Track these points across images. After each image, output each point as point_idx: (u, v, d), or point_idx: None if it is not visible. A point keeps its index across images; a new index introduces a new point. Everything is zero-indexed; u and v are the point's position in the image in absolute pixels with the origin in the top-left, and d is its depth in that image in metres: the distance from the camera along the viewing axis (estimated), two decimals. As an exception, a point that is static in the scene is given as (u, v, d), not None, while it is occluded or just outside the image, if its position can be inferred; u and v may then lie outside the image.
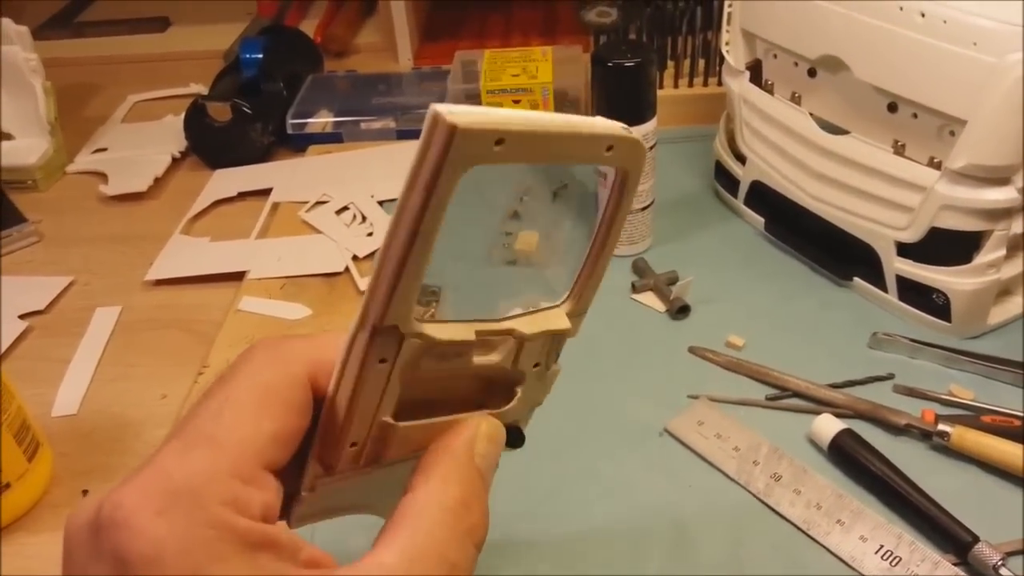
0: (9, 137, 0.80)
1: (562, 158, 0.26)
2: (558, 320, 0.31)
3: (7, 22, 0.78)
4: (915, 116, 0.51)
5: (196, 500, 0.22)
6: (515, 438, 0.32)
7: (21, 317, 0.63)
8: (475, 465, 0.28)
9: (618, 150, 0.27)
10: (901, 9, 0.48)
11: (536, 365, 0.31)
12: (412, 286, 0.25)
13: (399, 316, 0.25)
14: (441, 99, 0.80)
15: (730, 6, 0.61)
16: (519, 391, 0.32)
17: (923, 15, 0.47)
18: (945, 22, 0.46)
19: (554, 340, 0.32)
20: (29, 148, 0.79)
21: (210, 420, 0.25)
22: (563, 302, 0.31)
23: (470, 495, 0.27)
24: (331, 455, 0.28)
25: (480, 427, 0.29)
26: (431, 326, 0.27)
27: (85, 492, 0.51)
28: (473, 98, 0.78)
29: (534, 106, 0.78)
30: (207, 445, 0.24)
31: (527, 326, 0.30)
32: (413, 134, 0.79)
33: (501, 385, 0.31)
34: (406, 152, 0.76)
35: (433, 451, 0.28)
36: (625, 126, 0.27)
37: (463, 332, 0.28)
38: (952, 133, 0.49)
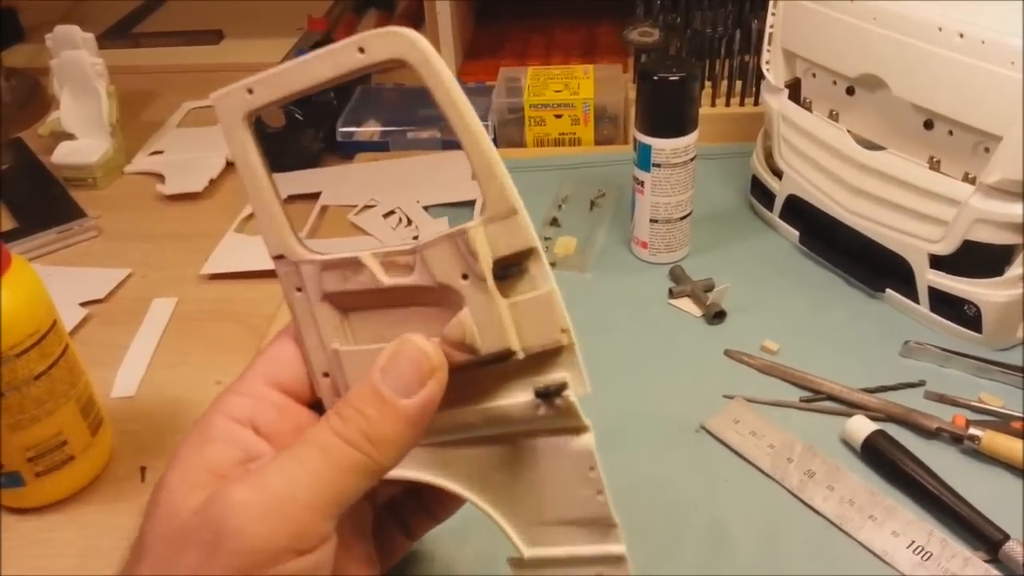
0: (72, 137, 0.83)
1: (320, 80, 0.32)
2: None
3: (75, 28, 0.82)
4: (951, 133, 0.52)
5: (211, 408, 0.35)
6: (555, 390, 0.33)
7: (81, 304, 0.66)
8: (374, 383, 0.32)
9: (372, 48, 0.30)
10: (940, 30, 0.50)
11: (465, 276, 0.31)
12: (272, 222, 0.33)
13: (282, 247, 0.33)
14: (485, 112, 0.83)
15: (771, 26, 0.63)
16: (463, 310, 0.32)
17: (962, 36, 0.49)
18: (983, 42, 0.48)
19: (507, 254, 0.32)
20: (90, 148, 0.82)
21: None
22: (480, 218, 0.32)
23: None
24: (315, 387, 0.35)
25: (390, 347, 0.32)
26: (317, 253, 0.33)
27: (143, 468, 0.53)
28: (516, 111, 0.81)
29: (575, 121, 0.81)
30: (238, 379, 0.36)
31: (428, 240, 0.31)
32: (457, 145, 0.81)
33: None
34: (450, 161, 0.79)
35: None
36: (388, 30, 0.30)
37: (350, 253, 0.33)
38: (987, 149, 0.51)
